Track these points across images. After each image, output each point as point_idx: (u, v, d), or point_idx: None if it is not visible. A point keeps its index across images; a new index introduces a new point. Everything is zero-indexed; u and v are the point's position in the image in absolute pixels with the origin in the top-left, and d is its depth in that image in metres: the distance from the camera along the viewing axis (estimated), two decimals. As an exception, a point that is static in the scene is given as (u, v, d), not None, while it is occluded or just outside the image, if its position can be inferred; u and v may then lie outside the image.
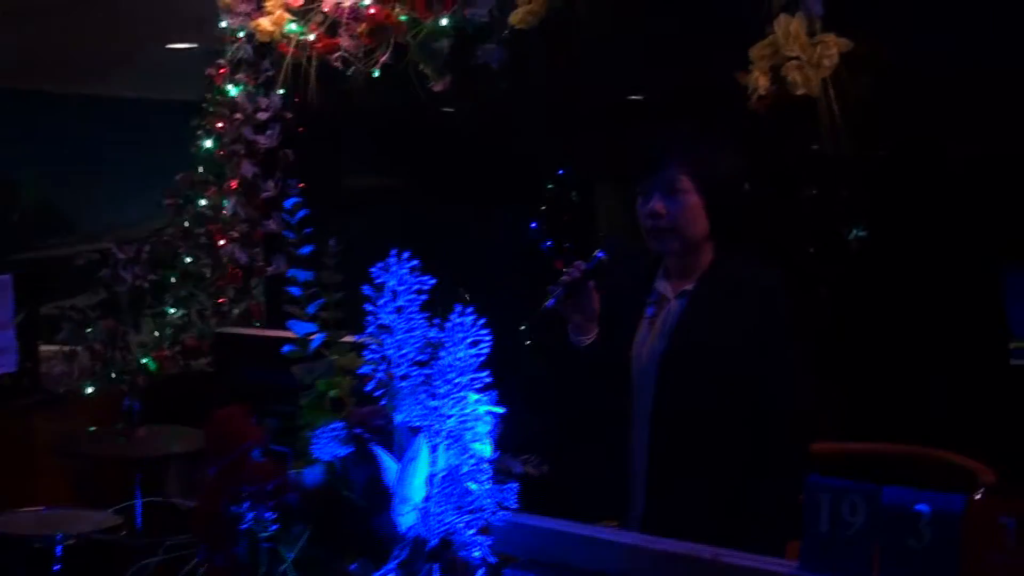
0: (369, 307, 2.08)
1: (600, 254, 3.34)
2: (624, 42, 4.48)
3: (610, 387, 3.37)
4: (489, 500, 2.07)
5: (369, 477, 2.09)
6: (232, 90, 5.66)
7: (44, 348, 6.01)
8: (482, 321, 2.02)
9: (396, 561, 2.03)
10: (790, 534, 2.86)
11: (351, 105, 5.28)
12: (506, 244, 7.09)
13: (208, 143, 5.70)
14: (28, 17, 6.65)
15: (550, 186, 7.15)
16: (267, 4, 5.40)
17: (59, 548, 3.95)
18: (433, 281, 2.09)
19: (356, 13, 5.12)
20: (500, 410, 2.12)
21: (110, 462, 4.81)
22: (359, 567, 2.08)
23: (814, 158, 4.24)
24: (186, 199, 5.78)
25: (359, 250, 2.22)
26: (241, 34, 5.60)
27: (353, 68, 5.15)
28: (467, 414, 2.04)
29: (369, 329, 2.08)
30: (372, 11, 5.05)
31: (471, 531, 2.05)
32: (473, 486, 2.06)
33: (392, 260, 2.08)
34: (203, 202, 5.73)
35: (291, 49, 5.36)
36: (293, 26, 5.33)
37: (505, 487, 2.08)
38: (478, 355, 2.03)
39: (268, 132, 5.64)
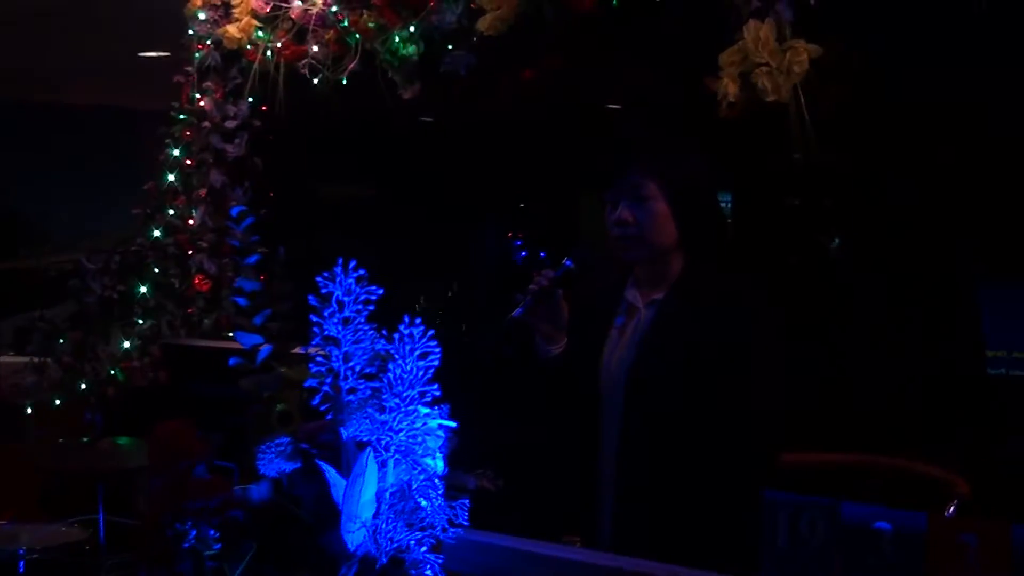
0: (315, 318, 2.02)
1: (568, 263, 3.29)
2: (592, 48, 4.44)
3: (578, 398, 3.32)
4: (441, 517, 2.01)
5: (316, 494, 2.03)
6: (200, 97, 5.60)
7: (14, 359, 5.95)
8: (431, 332, 1.97)
9: (345, 580, 1.97)
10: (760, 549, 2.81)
11: (319, 113, 5.23)
12: (480, 252, 7.07)
13: (176, 152, 5.64)
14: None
15: (524, 197, 7.14)
16: (235, 11, 5.35)
17: (22, 564, 3.88)
18: (382, 291, 2.03)
19: (324, 20, 5.07)
20: (452, 424, 2.07)
21: (72, 475, 4.74)
22: (307, 587, 2.03)
23: (788, 166, 4.21)
24: (155, 209, 5.72)
25: (328, 259, 2.16)
26: (208, 41, 5.54)
27: (321, 75, 5.10)
28: (417, 428, 1.99)
29: (315, 341, 2.02)
30: (340, 17, 5.01)
31: (422, 549, 2.00)
32: (424, 502, 2.01)
33: (338, 269, 2.02)
34: (171, 212, 5.67)
35: (259, 56, 5.32)
36: (261, 33, 5.29)
37: (457, 503, 2.03)
38: (428, 367, 1.98)
39: (236, 140, 5.58)
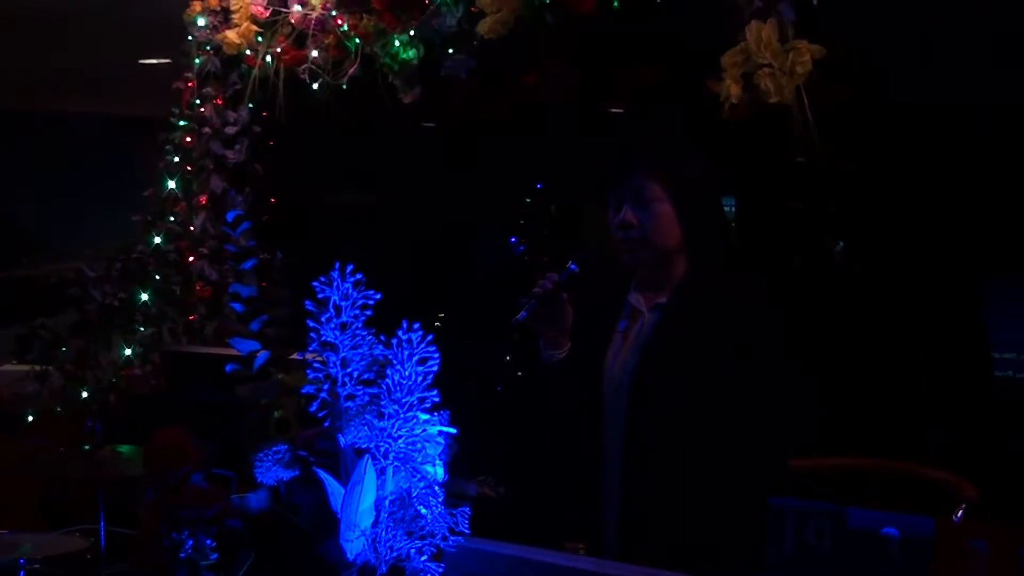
0: (312, 324, 2.00)
1: (572, 266, 3.27)
2: (593, 51, 4.42)
3: (582, 403, 3.29)
4: (441, 525, 1.98)
5: (315, 502, 2.00)
6: (200, 104, 5.59)
7: (15, 368, 5.93)
8: (430, 337, 1.94)
9: (344, 589, 1.95)
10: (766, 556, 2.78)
11: (320, 118, 5.22)
12: (483, 258, 7.04)
13: (176, 158, 5.63)
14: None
15: (528, 200, 7.12)
16: (234, 16, 5.34)
17: (22, 573, 3.86)
18: (379, 296, 2.00)
19: (323, 25, 5.06)
20: (452, 430, 2.05)
21: (73, 484, 4.72)
22: (306, 596, 2.01)
23: (791, 168, 4.19)
24: (155, 215, 5.70)
25: (327, 265, 2.13)
26: (208, 47, 5.53)
27: (321, 80, 5.08)
28: (416, 435, 1.96)
29: (312, 347, 1.99)
30: (340, 22, 4.99)
31: (423, 557, 1.97)
32: (424, 510, 1.98)
33: (335, 274, 1.99)
34: (172, 219, 5.65)
35: (258, 62, 5.31)
36: (260, 38, 5.28)
37: (457, 511, 2.00)
38: (427, 373, 1.95)
39: (237, 146, 5.57)
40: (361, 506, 1.94)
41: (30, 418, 5.68)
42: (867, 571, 1.84)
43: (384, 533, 1.96)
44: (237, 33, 5.32)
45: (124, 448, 4.50)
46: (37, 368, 5.69)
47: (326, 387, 1.99)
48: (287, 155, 5.73)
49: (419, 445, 1.96)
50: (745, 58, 3.89)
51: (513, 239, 7.12)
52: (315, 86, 5.12)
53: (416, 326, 1.94)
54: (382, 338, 1.99)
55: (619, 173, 3.26)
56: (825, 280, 4.86)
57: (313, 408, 2.00)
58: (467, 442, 2.13)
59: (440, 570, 1.98)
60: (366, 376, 2.00)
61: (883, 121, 4.45)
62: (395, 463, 1.96)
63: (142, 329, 5.64)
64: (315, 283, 1.99)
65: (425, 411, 1.97)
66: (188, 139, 5.62)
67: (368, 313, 2.01)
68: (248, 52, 5.37)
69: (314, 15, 5.09)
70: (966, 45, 3.98)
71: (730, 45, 3.93)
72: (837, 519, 1.88)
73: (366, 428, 1.97)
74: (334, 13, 5.04)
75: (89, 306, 5.66)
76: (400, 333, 1.94)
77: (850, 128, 4.12)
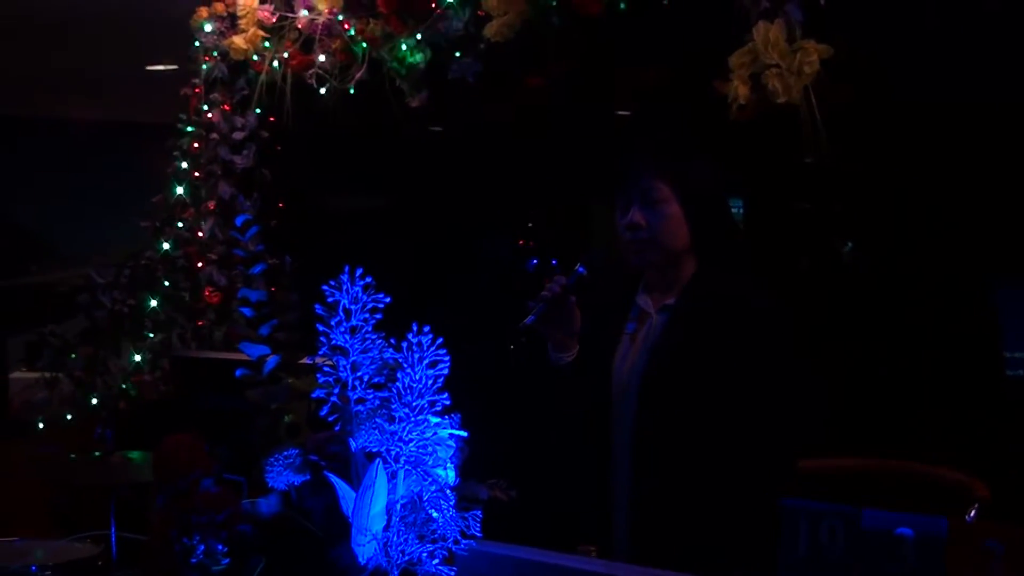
0: (321, 327, 1.99)
1: (581, 269, 3.25)
2: (600, 51, 4.41)
3: (591, 406, 3.28)
4: (453, 528, 1.98)
5: (326, 506, 2.00)
6: (208, 109, 5.59)
7: (25, 375, 5.94)
8: (440, 340, 1.93)
9: (356, 594, 1.94)
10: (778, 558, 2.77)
11: (327, 123, 5.22)
12: (491, 262, 7.03)
13: (184, 164, 5.63)
14: (3, 42, 6.61)
15: (535, 203, 7.12)
16: (241, 22, 5.34)
17: (34, 580, 3.85)
18: (389, 299, 1.99)
19: (330, 29, 5.06)
20: (463, 433, 2.04)
21: (84, 490, 4.72)
22: (317, 601, 2.00)
23: (799, 169, 4.18)
24: (163, 221, 5.71)
25: (335, 269, 2.12)
26: (215, 53, 5.53)
27: (328, 85, 5.08)
28: (427, 438, 1.95)
29: (322, 351, 1.99)
30: (346, 26, 4.99)
31: (435, 561, 1.97)
32: (435, 514, 1.97)
33: (345, 278, 1.98)
34: (180, 224, 5.66)
35: (265, 67, 5.31)
36: (267, 44, 5.28)
37: (469, 514, 1.99)
38: (437, 376, 1.94)
39: (244, 152, 5.57)
40: (372, 510, 1.93)
41: (40, 425, 5.69)
42: (881, 572, 1.83)
43: (396, 537, 1.95)
44: (244, 39, 5.33)
45: (134, 454, 4.51)
46: (47, 375, 5.69)
47: (336, 391, 1.99)
48: (295, 160, 5.74)
49: (430, 448, 1.95)
50: (753, 59, 3.88)
51: (520, 242, 7.12)
52: (322, 91, 5.12)
53: (426, 329, 1.93)
54: (392, 341, 1.99)
55: (627, 174, 3.25)
56: (834, 280, 4.85)
57: (323, 412, 2.00)
58: (478, 445, 2.13)
59: (452, 573, 1.98)
60: (376, 380, 1.99)
61: (891, 121, 4.44)
62: (406, 467, 1.95)
63: (151, 335, 5.64)
64: (325, 287, 1.99)
65: (436, 414, 1.96)
66: (196, 145, 5.63)
67: (378, 316, 2.00)
68: (255, 57, 5.37)
69: (321, 20, 5.09)
70: (974, 45, 3.97)
71: (737, 46, 3.92)
72: (850, 519, 1.87)
73: (377, 432, 1.96)
74: (341, 18, 5.04)
75: (98, 313, 5.66)
76: (410, 336, 1.94)
77: (858, 128, 4.11)
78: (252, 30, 5.31)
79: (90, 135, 8.60)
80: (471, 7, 4.62)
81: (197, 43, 5.59)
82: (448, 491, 2.00)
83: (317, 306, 1.99)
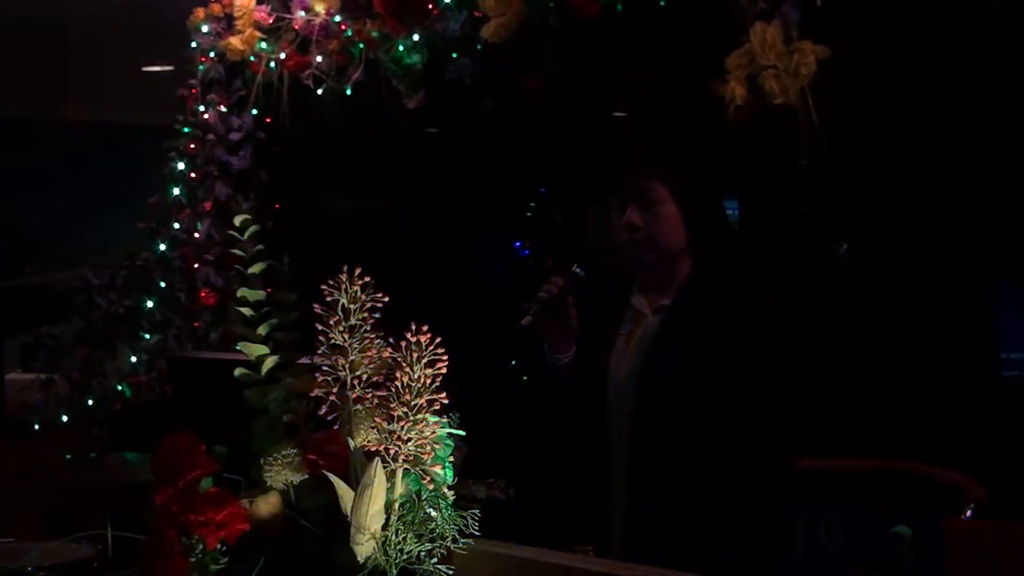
0: (320, 327, 1.99)
1: (577, 270, 3.24)
2: (597, 52, 4.41)
3: (587, 407, 3.28)
4: (451, 527, 1.98)
5: (325, 505, 2.00)
6: (204, 110, 5.59)
7: (21, 376, 5.94)
8: (439, 339, 1.93)
9: (355, 593, 1.94)
10: (777, 556, 2.78)
11: (324, 123, 5.22)
12: (488, 263, 7.03)
13: (180, 165, 5.63)
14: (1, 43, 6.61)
15: (532, 204, 7.12)
16: (238, 23, 5.34)
17: (29, 580, 3.85)
18: (387, 298, 1.99)
19: (327, 30, 5.06)
20: (462, 433, 2.04)
21: (80, 491, 4.72)
22: (316, 600, 2.00)
23: (795, 170, 4.18)
24: (159, 223, 5.71)
25: (334, 271, 2.12)
26: (212, 54, 5.53)
27: (325, 86, 5.09)
28: (426, 437, 1.95)
29: (321, 350, 1.99)
30: (343, 27, 5.00)
31: (433, 560, 1.96)
32: (434, 513, 1.97)
33: (343, 276, 1.99)
34: (176, 225, 5.66)
35: (262, 68, 5.31)
36: (264, 44, 5.28)
37: (467, 513, 1.99)
38: (436, 375, 1.94)
39: (241, 153, 5.58)
40: (371, 509, 1.93)
41: (36, 426, 5.69)
42: (879, 569, 1.83)
43: (394, 536, 1.95)
44: (241, 39, 5.34)
45: (130, 455, 4.51)
46: (43, 376, 5.69)
47: (335, 390, 1.99)
48: (291, 161, 5.74)
49: (428, 447, 1.95)
50: (750, 59, 3.88)
51: (517, 243, 7.12)
52: (319, 92, 5.12)
53: (424, 329, 1.93)
54: (391, 340, 1.99)
55: (623, 174, 3.26)
56: (831, 282, 4.85)
57: (322, 411, 2.00)
58: (476, 444, 2.13)
59: (450, 572, 1.98)
60: (375, 379, 2.00)
61: (889, 122, 4.44)
62: (405, 466, 1.95)
63: (147, 336, 5.64)
64: (323, 286, 1.99)
65: (434, 413, 1.96)
66: (192, 146, 5.63)
67: (376, 316, 2.00)
68: (252, 58, 5.37)
69: (318, 21, 5.10)
70: (971, 45, 3.98)
71: (734, 47, 3.93)
72: (849, 517, 1.87)
73: (375, 431, 1.96)
74: (338, 19, 5.04)
75: (94, 314, 5.66)
76: (408, 336, 1.94)
77: (854, 128, 4.11)
78: (249, 31, 5.32)
79: (85, 136, 8.59)
80: (468, 8, 4.62)
81: (194, 44, 5.59)
82: (446, 490, 2.00)
83: (316, 305, 1.99)
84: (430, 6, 4.74)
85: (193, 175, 5.64)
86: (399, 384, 1.93)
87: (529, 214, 7.06)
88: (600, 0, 4.26)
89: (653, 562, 2.37)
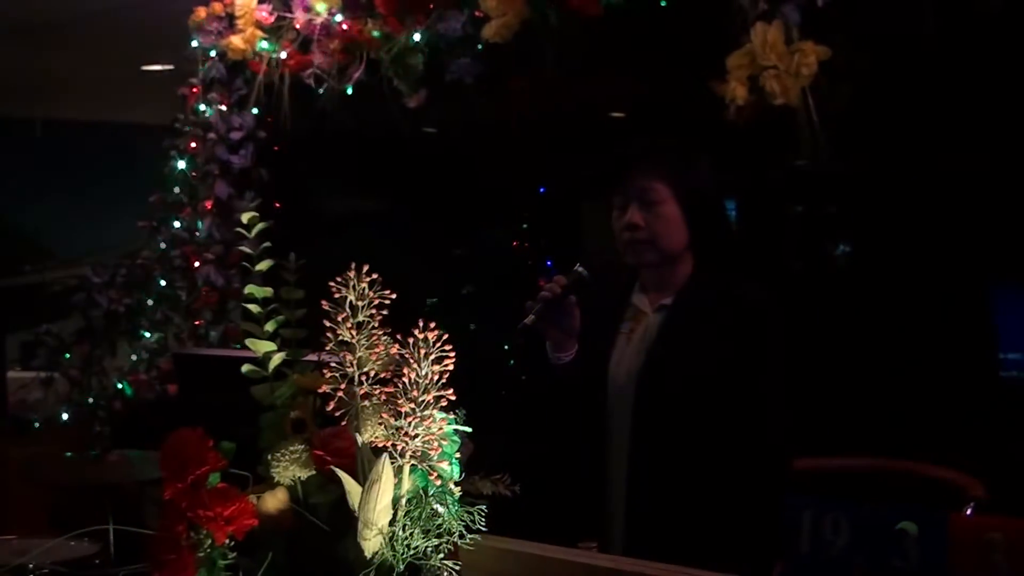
0: (328, 323, 2.00)
1: (580, 268, 3.25)
2: (599, 53, 4.42)
3: (589, 405, 3.29)
4: (458, 523, 1.99)
5: (332, 501, 2.01)
6: (205, 109, 5.60)
7: (20, 375, 5.94)
8: (446, 336, 1.94)
9: (362, 587, 1.95)
10: (777, 554, 2.79)
11: (325, 122, 5.23)
12: (487, 263, 7.04)
13: (181, 164, 5.64)
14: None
15: (531, 204, 7.13)
16: (239, 22, 5.35)
17: (31, 578, 3.85)
18: (395, 295, 2.01)
19: (328, 29, 5.07)
20: (468, 429, 2.05)
21: (82, 489, 4.72)
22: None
23: (796, 170, 4.19)
24: (160, 221, 5.71)
25: (336, 269, 2.13)
26: (213, 53, 5.54)
27: (326, 85, 5.09)
28: (433, 433, 1.96)
29: (328, 346, 2.00)
30: (344, 27, 5.00)
31: (440, 555, 1.97)
32: (441, 508, 1.98)
33: (351, 273, 2.00)
34: (177, 224, 5.67)
35: (263, 67, 5.32)
36: (265, 44, 5.29)
37: (474, 509, 2.00)
38: (443, 372, 1.95)
39: (242, 152, 5.58)
40: (379, 505, 1.94)
41: (36, 424, 5.70)
42: (884, 566, 1.84)
43: (401, 531, 1.96)
44: (242, 39, 5.34)
45: (132, 453, 4.51)
46: (42, 375, 5.70)
47: (343, 387, 2.00)
48: (292, 160, 5.75)
49: (435, 443, 1.96)
50: (750, 60, 3.89)
51: (516, 243, 7.14)
52: (320, 91, 5.13)
53: (432, 325, 1.95)
54: (398, 337, 2.00)
55: (624, 174, 3.26)
56: (831, 282, 4.87)
57: (330, 408, 2.01)
58: (481, 441, 2.14)
59: (458, 568, 1.99)
60: (383, 375, 2.01)
61: (889, 122, 4.46)
62: (412, 462, 1.96)
63: (147, 335, 5.65)
64: (331, 283, 2.00)
65: (441, 409, 1.97)
66: (193, 144, 5.64)
67: (384, 312, 2.01)
68: (253, 57, 5.38)
69: (319, 20, 5.10)
70: (973, 46, 3.99)
71: (735, 47, 3.94)
72: (854, 514, 1.88)
73: (383, 427, 1.97)
74: (339, 18, 5.05)
75: (94, 312, 5.67)
76: (416, 332, 1.95)
77: (854, 129, 4.13)
78: (250, 30, 5.32)
79: (84, 135, 8.59)
80: (469, 8, 4.63)
81: (195, 43, 5.60)
82: (453, 486, 2.01)
83: (324, 302, 2.00)
84: (431, 6, 4.75)
85: (194, 174, 5.64)
86: (406, 380, 1.95)
87: (528, 214, 7.07)
88: (601, 0, 4.26)
89: (654, 559, 2.38)
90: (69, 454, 4.86)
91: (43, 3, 6.26)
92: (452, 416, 2.02)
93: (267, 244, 2.21)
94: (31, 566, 3.84)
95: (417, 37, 4.80)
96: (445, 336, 1.96)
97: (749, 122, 3.97)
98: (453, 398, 1.97)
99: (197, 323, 5.63)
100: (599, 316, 3.33)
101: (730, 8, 3.95)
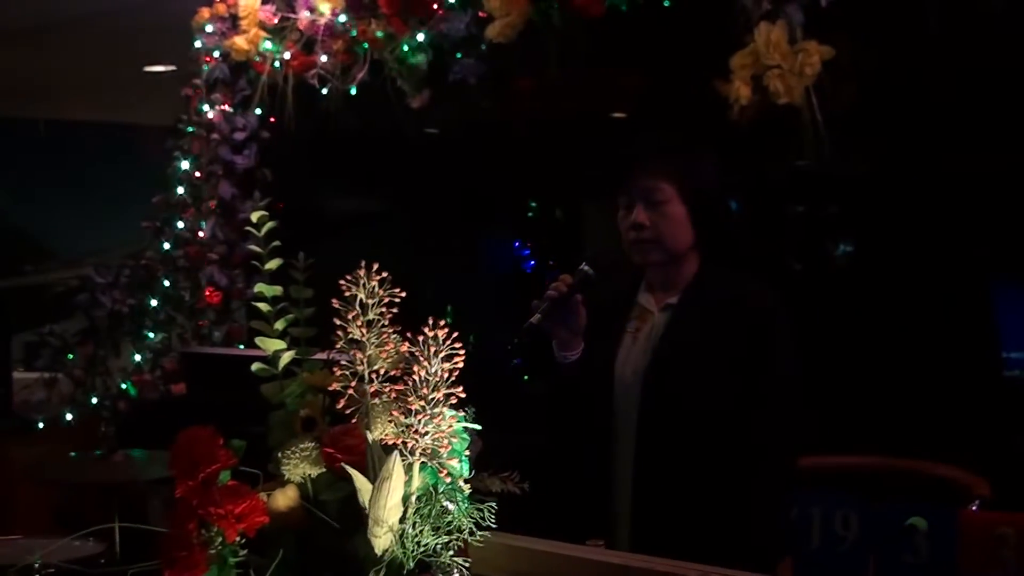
0: (338, 321, 2.01)
1: (586, 267, 3.26)
2: (603, 53, 4.43)
3: (595, 404, 3.30)
4: (467, 520, 1.99)
5: (342, 498, 2.01)
6: (208, 110, 5.60)
7: (24, 375, 5.94)
8: (455, 334, 1.95)
9: (372, 585, 1.95)
10: (782, 552, 2.79)
11: (329, 123, 5.23)
12: (490, 264, 7.05)
13: (185, 164, 5.64)
14: (1, 43, 6.61)
15: (533, 205, 7.13)
16: (242, 22, 5.35)
17: (37, 577, 3.86)
18: (405, 293, 2.01)
19: (332, 30, 5.08)
20: (477, 427, 2.06)
21: (87, 488, 4.73)
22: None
23: (800, 169, 4.20)
24: (164, 222, 5.72)
25: (340, 269, 2.14)
26: (216, 53, 5.55)
27: (330, 85, 5.10)
28: (443, 431, 1.97)
29: (339, 344, 2.01)
30: (348, 27, 5.01)
31: (449, 552, 1.98)
32: (450, 506, 1.99)
33: (361, 272, 2.01)
34: (181, 224, 5.67)
35: (267, 68, 5.32)
36: (268, 44, 5.29)
37: (483, 506, 2.01)
38: (453, 370, 1.96)
39: (245, 152, 5.59)
40: (389, 502, 1.95)
41: (40, 424, 5.70)
42: (894, 561, 1.85)
43: (411, 529, 1.97)
44: (246, 39, 5.34)
45: (137, 452, 4.52)
46: (46, 375, 5.70)
47: (353, 384, 2.00)
48: (295, 160, 5.75)
49: (445, 441, 1.97)
50: (754, 60, 3.90)
51: (516, 243, 7.14)
52: (324, 91, 5.14)
53: (442, 323, 1.95)
54: (408, 335, 2.00)
55: (629, 173, 3.27)
56: (835, 282, 4.87)
57: (340, 405, 2.01)
58: (491, 439, 2.15)
59: (467, 565, 2.00)
60: (392, 373, 2.01)
61: (890, 122, 4.46)
62: (422, 459, 1.97)
63: (151, 335, 5.65)
64: (342, 281, 2.01)
65: (451, 407, 1.98)
66: (196, 145, 5.65)
67: (394, 311, 2.02)
68: (257, 58, 5.38)
69: (322, 20, 5.11)
70: (975, 46, 3.99)
71: (739, 47, 3.94)
72: (864, 509, 1.89)
73: (393, 424, 1.98)
74: (343, 18, 5.05)
75: (98, 312, 5.67)
76: (426, 330, 1.96)
77: (858, 128, 4.13)
78: (253, 31, 5.32)
79: (87, 136, 8.60)
80: (473, 8, 4.64)
81: (198, 43, 5.60)
82: (463, 483, 2.02)
83: (334, 300, 2.01)
84: (435, 6, 4.75)
85: (197, 174, 5.65)
86: (416, 378, 1.95)
87: (531, 214, 7.08)
88: (605, 1, 4.27)
89: (660, 556, 2.39)
90: (73, 454, 4.87)
91: (46, 4, 6.27)
92: (462, 414, 2.03)
93: (276, 243, 2.22)
94: (37, 565, 3.85)
95: (421, 37, 4.80)
96: (455, 334, 1.96)
97: (753, 122, 3.97)
98: (463, 395, 1.98)
99: (201, 323, 5.63)
100: (605, 315, 3.34)
101: (734, 8, 3.96)
